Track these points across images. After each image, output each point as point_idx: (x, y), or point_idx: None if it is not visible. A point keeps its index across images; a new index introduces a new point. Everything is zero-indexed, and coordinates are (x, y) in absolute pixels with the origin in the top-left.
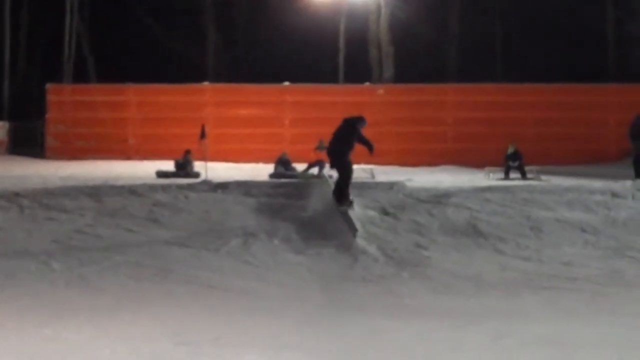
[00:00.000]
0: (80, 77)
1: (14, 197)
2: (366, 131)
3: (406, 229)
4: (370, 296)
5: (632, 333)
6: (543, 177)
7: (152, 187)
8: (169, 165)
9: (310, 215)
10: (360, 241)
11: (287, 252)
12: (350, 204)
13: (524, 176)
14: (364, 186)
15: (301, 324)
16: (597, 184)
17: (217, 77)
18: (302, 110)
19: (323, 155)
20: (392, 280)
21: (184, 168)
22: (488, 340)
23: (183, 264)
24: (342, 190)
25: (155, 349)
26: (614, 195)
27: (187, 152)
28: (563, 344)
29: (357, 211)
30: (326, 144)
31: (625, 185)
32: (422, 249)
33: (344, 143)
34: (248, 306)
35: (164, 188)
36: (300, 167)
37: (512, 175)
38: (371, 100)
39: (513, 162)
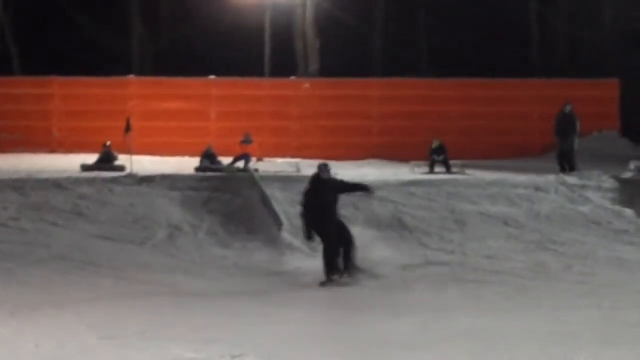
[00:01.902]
0: (4, 69)
1: None
2: (291, 124)
3: None
4: (296, 289)
5: (555, 326)
6: (468, 171)
7: (77, 181)
8: (93, 159)
9: (236, 209)
10: (286, 235)
11: (212, 246)
12: (342, 274)
13: (448, 170)
14: (290, 180)
15: (227, 317)
16: (521, 178)
17: (143, 71)
18: (229, 104)
19: (249, 148)
20: (318, 273)
21: (108, 161)
22: (414, 333)
23: (108, 258)
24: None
25: (81, 343)
26: (538, 189)
27: (106, 145)
28: (488, 337)
29: (282, 205)
30: (252, 137)
31: (549, 179)
32: None
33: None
34: (174, 300)
35: (89, 182)
36: (226, 160)
37: (437, 169)
38: (297, 94)
39: (438, 156)
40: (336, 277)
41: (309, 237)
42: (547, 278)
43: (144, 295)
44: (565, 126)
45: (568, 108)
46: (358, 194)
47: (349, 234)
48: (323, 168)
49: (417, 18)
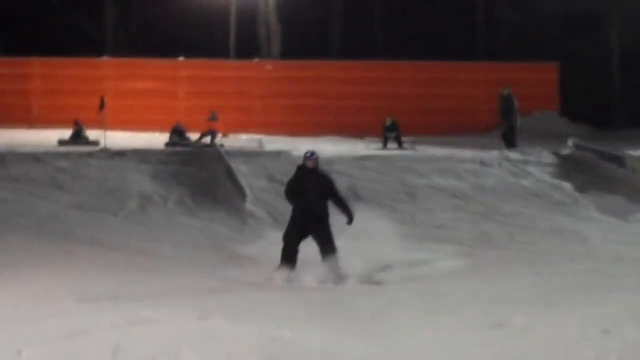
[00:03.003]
0: None
1: None
2: (255, 103)
3: None
4: (258, 255)
5: (497, 290)
6: (418, 147)
7: (54, 155)
8: (69, 135)
9: (203, 182)
10: (249, 206)
11: (181, 215)
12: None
13: (400, 146)
14: (253, 155)
15: (195, 281)
16: (467, 153)
17: (116, 52)
18: (196, 84)
19: (215, 125)
20: (278, 241)
21: (79, 137)
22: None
23: (84, 227)
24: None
25: (57, 306)
26: (483, 164)
27: (77, 123)
28: (437, 300)
29: (246, 178)
30: (218, 115)
31: (493, 155)
32: None
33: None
34: (145, 266)
35: (65, 155)
36: (194, 136)
37: (390, 145)
38: (260, 75)
39: (391, 133)
40: (281, 272)
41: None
42: (491, 246)
43: (117, 262)
44: (504, 108)
45: (505, 92)
46: (337, 208)
47: (328, 246)
48: (308, 156)
49: (373, 4)
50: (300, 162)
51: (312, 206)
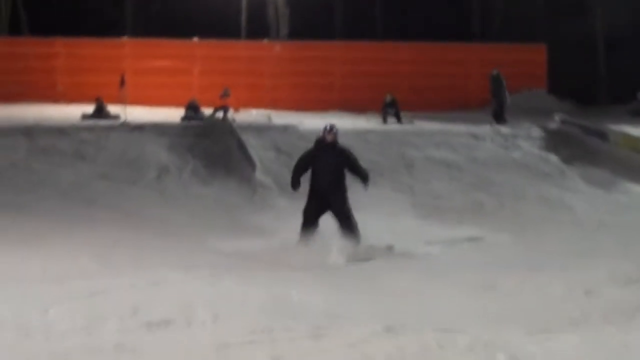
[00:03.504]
0: (14, 30)
1: None
2: (264, 81)
3: None
4: (267, 222)
5: (488, 256)
6: (416, 122)
7: (78, 128)
8: (92, 109)
9: (215, 153)
10: (258, 176)
11: (195, 185)
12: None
13: (399, 121)
14: (263, 128)
15: (208, 246)
16: (461, 128)
17: (135, 33)
18: (209, 63)
19: (227, 101)
20: (285, 209)
21: (101, 112)
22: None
23: (105, 195)
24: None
25: (83, 266)
26: (475, 137)
27: (99, 100)
28: (432, 264)
29: (256, 150)
30: (230, 91)
31: (485, 129)
32: None
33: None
34: (162, 231)
35: (89, 129)
36: (207, 111)
37: (389, 120)
38: (269, 55)
39: (390, 109)
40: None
41: (294, 185)
42: (483, 214)
43: (137, 228)
44: (494, 87)
45: (494, 72)
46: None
47: (346, 222)
48: (328, 129)
49: None
50: (317, 135)
51: (325, 182)
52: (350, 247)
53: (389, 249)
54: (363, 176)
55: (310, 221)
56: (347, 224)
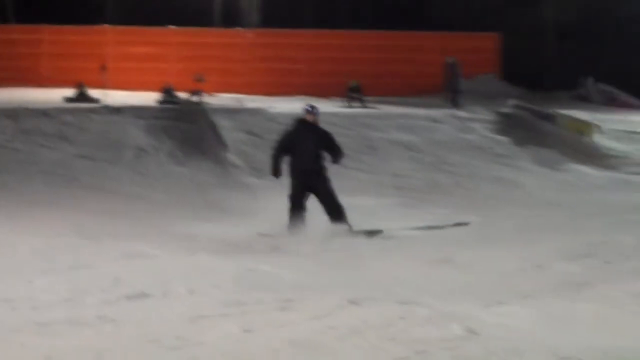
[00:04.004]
0: (1, 17)
1: None
2: (236, 67)
3: (268, 146)
4: (239, 201)
5: (446, 231)
6: (378, 106)
7: (61, 110)
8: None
9: (190, 135)
10: (230, 156)
11: (171, 165)
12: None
13: (363, 105)
14: (234, 111)
15: (184, 220)
16: (421, 111)
17: (115, 21)
18: (185, 49)
19: (201, 85)
20: (257, 187)
21: (84, 95)
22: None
23: (87, 174)
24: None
25: (66, 242)
26: (434, 120)
27: (80, 84)
28: (393, 239)
29: (228, 131)
30: (204, 76)
31: (443, 113)
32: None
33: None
34: (140, 208)
35: (71, 111)
36: (182, 95)
37: (353, 104)
38: (241, 41)
39: (355, 92)
40: (292, 231)
41: (275, 172)
42: (440, 192)
43: (116, 204)
44: (450, 73)
45: (449, 60)
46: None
47: (332, 205)
48: (309, 110)
49: None
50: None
51: (307, 164)
52: (336, 228)
53: (374, 233)
54: (339, 155)
55: (298, 205)
56: (332, 206)
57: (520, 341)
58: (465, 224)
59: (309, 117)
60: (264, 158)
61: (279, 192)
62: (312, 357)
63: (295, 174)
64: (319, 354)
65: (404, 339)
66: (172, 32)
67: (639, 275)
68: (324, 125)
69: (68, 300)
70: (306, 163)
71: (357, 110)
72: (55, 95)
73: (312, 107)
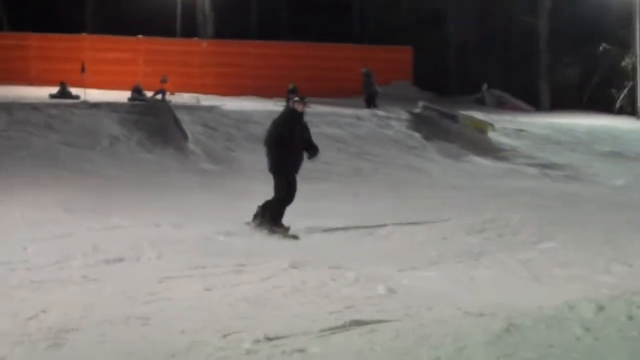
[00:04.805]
0: None
1: None
2: (194, 70)
3: (222, 137)
4: (197, 183)
5: (368, 209)
6: (312, 105)
7: (47, 105)
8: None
9: (156, 127)
10: (190, 145)
11: (141, 152)
12: (286, 230)
13: None
14: (193, 108)
15: (152, 197)
16: (347, 111)
17: (93, 30)
18: (151, 55)
19: (165, 86)
20: (213, 173)
21: (66, 92)
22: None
23: (70, 158)
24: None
25: (52, 214)
26: (358, 118)
27: (62, 83)
28: (324, 215)
29: (188, 124)
30: (167, 78)
31: (365, 112)
32: (231, 151)
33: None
34: (115, 187)
35: (56, 105)
36: (149, 94)
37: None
38: (198, 50)
39: (293, 94)
40: (282, 229)
41: (285, 166)
42: (362, 178)
43: (95, 184)
44: (365, 81)
45: (364, 70)
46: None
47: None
48: (299, 99)
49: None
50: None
51: (301, 153)
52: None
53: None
54: (315, 149)
55: (293, 196)
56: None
57: (430, 298)
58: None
59: (300, 107)
60: (219, 147)
61: (231, 176)
62: (261, 310)
63: (295, 167)
64: (267, 307)
65: (336, 297)
66: (140, 41)
67: (526, 246)
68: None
69: (57, 263)
70: (301, 155)
71: None
72: (42, 93)
73: (303, 96)
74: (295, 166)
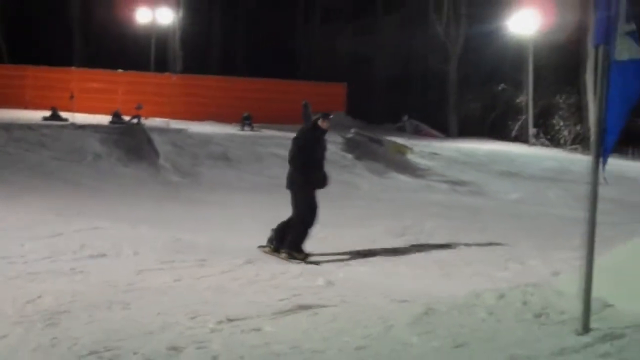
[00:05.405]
0: None
1: None
2: (164, 99)
3: (187, 155)
4: (167, 193)
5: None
6: (264, 130)
7: (40, 125)
8: (49, 114)
9: (132, 146)
10: (161, 161)
11: (119, 166)
12: (306, 256)
13: (252, 129)
14: (163, 131)
15: (129, 204)
16: (290, 134)
17: (80, 64)
18: (130, 86)
19: (140, 112)
20: (180, 184)
21: (56, 116)
22: (234, 216)
23: (59, 171)
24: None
25: (45, 217)
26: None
27: (53, 108)
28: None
29: (159, 144)
30: (142, 105)
31: None
32: (196, 167)
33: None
34: (98, 195)
35: (48, 126)
36: (127, 118)
37: (246, 128)
38: (169, 82)
39: (247, 120)
40: (302, 255)
41: (323, 181)
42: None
43: (80, 192)
44: (304, 111)
45: (304, 102)
46: None
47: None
48: (324, 116)
49: (238, 42)
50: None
51: (323, 170)
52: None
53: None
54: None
55: (315, 215)
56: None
57: (363, 289)
58: None
59: (325, 125)
60: (185, 163)
61: (195, 187)
62: (223, 297)
63: (318, 184)
64: (227, 295)
65: (284, 287)
66: (120, 74)
67: (438, 248)
68: (227, 142)
69: (49, 257)
70: (323, 172)
71: (248, 132)
72: (36, 115)
73: (328, 113)
74: (317, 183)
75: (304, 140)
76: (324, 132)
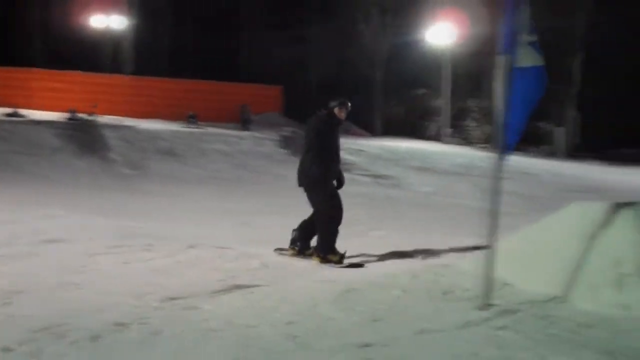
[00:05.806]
0: None
1: None
2: (117, 98)
3: (137, 149)
4: (118, 184)
5: (245, 205)
6: (207, 128)
7: (2, 122)
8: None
9: (87, 140)
10: (113, 155)
11: (75, 160)
12: (341, 257)
13: (197, 126)
14: (115, 127)
15: (83, 194)
16: (232, 132)
17: (41, 65)
18: (86, 86)
19: (95, 109)
20: (130, 177)
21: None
22: (179, 205)
23: (19, 163)
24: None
25: (5, 206)
26: (240, 138)
27: (15, 106)
28: (215, 210)
29: (112, 139)
30: (97, 104)
31: (247, 133)
32: (145, 160)
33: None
34: (54, 186)
35: (9, 122)
36: (82, 115)
37: (191, 125)
38: (121, 83)
39: (192, 119)
40: (337, 257)
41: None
42: (244, 183)
43: (38, 183)
44: (242, 111)
45: (243, 104)
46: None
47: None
48: (342, 104)
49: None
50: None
51: (338, 163)
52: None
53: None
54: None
55: (340, 209)
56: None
57: (293, 271)
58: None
59: (341, 114)
60: (135, 157)
61: (144, 179)
62: (167, 278)
63: (334, 176)
64: (171, 276)
65: (222, 269)
66: (77, 75)
67: (362, 234)
68: (173, 139)
69: (7, 243)
70: (338, 165)
71: (193, 129)
72: None
73: (345, 100)
74: (335, 176)
75: (324, 126)
76: (339, 122)
